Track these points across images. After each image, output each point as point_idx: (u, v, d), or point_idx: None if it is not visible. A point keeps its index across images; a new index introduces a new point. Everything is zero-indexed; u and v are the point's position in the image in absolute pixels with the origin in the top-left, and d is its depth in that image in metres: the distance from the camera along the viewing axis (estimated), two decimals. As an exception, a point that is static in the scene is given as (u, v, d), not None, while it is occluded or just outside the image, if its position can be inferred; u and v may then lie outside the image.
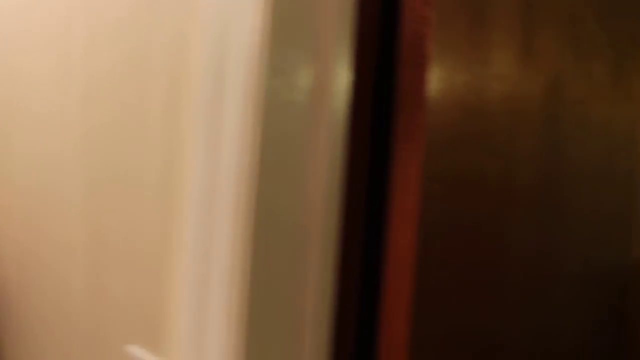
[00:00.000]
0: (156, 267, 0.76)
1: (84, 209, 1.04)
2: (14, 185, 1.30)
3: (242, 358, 0.56)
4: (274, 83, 0.57)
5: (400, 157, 0.65)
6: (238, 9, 0.58)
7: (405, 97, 0.65)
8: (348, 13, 0.63)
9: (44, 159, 1.20)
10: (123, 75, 0.94)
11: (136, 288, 0.86)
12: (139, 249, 0.87)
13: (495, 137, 0.77)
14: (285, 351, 0.59)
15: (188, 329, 0.60)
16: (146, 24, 0.83)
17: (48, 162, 1.19)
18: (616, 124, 1.27)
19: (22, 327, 1.29)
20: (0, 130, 1.32)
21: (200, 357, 0.58)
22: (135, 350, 0.75)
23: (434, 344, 0.67)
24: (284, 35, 0.58)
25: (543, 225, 0.94)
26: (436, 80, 0.66)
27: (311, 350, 0.60)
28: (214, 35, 0.60)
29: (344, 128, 0.63)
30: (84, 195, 1.04)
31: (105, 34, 1.00)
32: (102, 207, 1.01)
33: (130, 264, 0.91)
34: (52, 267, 1.17)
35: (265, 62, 0.57)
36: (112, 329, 0.95)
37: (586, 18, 1.03)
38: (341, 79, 0.63)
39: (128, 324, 0.89)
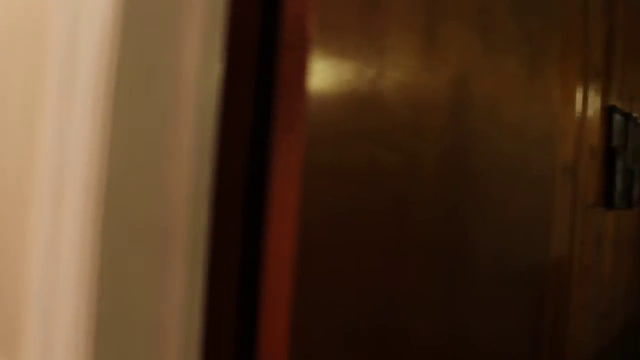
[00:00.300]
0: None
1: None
2: None
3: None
4: (128, 69, 0.51)
5: (280, 149, 0.59)
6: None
7: (286, 85, 0.60)
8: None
9: None
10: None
11: None
12: None
13: (393, 131, 0.73)
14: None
15: (36, 339, 0.53)
16: None
17: None
18: (532, 121, 1.25)
19: None
20: None
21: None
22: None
23: (318, 346, 0.62)
24: (140, 21, 0.51)
25: (452, 222, 0.91)
26: (321, 66, 0.61)
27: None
28: (67, 15, 0.53)
29: (214, 119, 0.57)
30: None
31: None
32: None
33: None
34: None
35: (118, 48, 0.51)
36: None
37: (498, 10, 1.00)
38: (211, 65, 0.57)
39: None
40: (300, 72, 0.59)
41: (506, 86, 1.06)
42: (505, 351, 1.24)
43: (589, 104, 1.83)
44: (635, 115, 2.30)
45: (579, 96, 1.75)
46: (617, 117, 2.06)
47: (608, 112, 2.00)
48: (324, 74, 0.62)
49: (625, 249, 2.40)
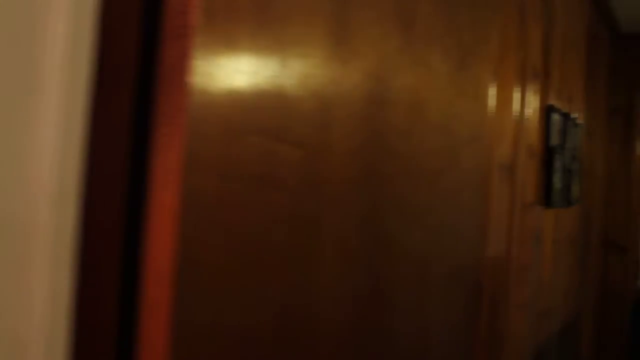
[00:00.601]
0: None
1: None
2: None
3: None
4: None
5: (159, 145, 0.55)
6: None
7: (167, 75, 0.55)
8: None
9: None
10: None
11: None
12: None
13: (296, 126, 0.69)
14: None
15: None
16: None
17: None
18: (463, 119, 1.23)
19: None
20: None
21: None
22: None
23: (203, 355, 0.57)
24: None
25: (369, 224, 0.88)
26: (208, 55, 0.56)
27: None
28: None
29: (83, 112, 0.52)
30: None
31: None
32: None
33: None
34: None
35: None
36: None
37: (420, 1, 0.98)
38: (80, 57, 0.51)
39: None
40: (182, 61, 0.54)
41: (431, 82, 1.03)
42: (438, 350, 1.22)
43: (526, 103, 1.84)
44: (573, 115, 2.33)
45: (517, 96, 1.75)
46: (556, 117, 2.08)
47: (546, 111, 2.01)
48: (212, 64, 0.57)
49: (564, 247, 2.43)
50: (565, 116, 2.22)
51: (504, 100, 1.63)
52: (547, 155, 2.03)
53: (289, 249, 0.68)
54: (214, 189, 0.56)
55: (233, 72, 0.60)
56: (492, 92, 1.47)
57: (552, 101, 2.09)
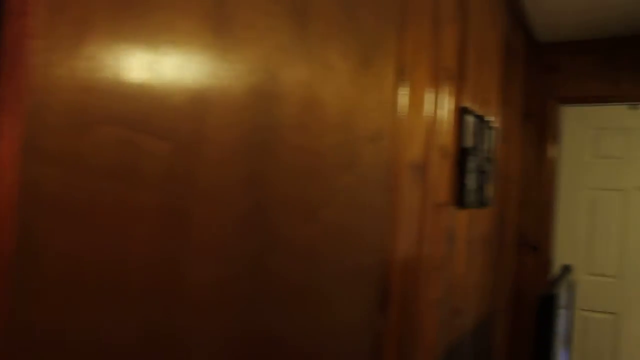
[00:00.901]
0: None
1: None
2: None
3: None
4: None
5: (-6, 132, 0.50)
6: None
7: (8, 57, 0.50)
8: None
9: None
10: None
11: None
12: None
13: (161, 118, 0.65)
14: None
15: None
16: None
17: None
18: (366, 117, 1.23)
19: None
20: None
21: None
22: None
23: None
24: None
25: (252, 218, 0.85)
26: (53, 36, 0.52)
27: None
28: None
29: None
30: None
31: None
32: None
33: None
34: None
35: None
36: None
37: (317, -2, 0.96)
38: None
39: None
40: (20, 43, 0.50)
41: (329, 79, 1.01)
42: (336, 350, 1.20)
43: (440, 105, 1.87)
44: (488, 118, 2.40)
45: (430, 97, 1.77)
46: (470, 119, 2.12)
47: (460, 113, 2.05)
48: (58, 46, 0.52)
49: (478, 247, 2.49)
50: (480, 119, 2.27)
51: (416, 100, 1.64)
52: (461, 156, 2.07)
53: (153, 247, 0.64)
54: (57, 181, 0.52)
55: (86, 56, 0.55)
56: (402, 91, 1.48)
57: (467, 103, 2.13)
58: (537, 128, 3.43)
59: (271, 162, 0.85)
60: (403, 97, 1.50)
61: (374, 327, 1.40)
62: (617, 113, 3.36)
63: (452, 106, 2.00)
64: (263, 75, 0.82)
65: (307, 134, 0.95)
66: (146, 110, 0.62)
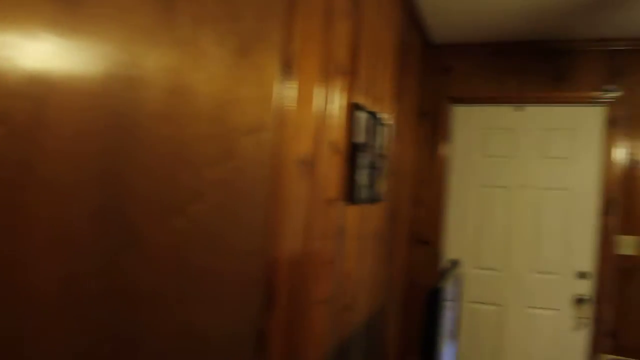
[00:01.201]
0: None
1: None
2: None
3: None
4: None
5: None
6: None
7: None
8: None
9: None
10: None
11: None
12: None
13: (13, 115, 0.58)
14: None
15: None
16: None
17: None
18: (243, 108, 1.18)
19: None
20: None
21: None
22: None
23: None
24: None
25: (106, 212, 0.78)
26: None
27: None
28: None
29: None
30: None
31: None
32: None
33: None
34: None
35: None
36: None
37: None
38: None
39: None
40: None
41: (201, 67, 0.96)
42: (212, 355, 1.15)
43: (330, 100, 1.86)
44: (381, 114, 2.43)
45: (320, 91, 1.75)
46: (361, 115, 2.14)
47: (352, 109, 2.06)
48: None
49: (370, 242, 2.52)
50: (373, 115, 2.29)
51: (305, 94, 1.62)
52: (352, 152, 2.08)
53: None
54: None
55: None
56: (288, 85, 1.45)
57: (359, 99, 2.15)
58: (431, 127, 3.54)
59: (131, 153, 0.79)
60: (289, 90, 1.47)
61: (256, 326, 1.37)
62: (503, 114, 3.54)
63: (344, 102, 2.00)
64: (122, 57, 0.76)
65: (174, 124, 0.90)
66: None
